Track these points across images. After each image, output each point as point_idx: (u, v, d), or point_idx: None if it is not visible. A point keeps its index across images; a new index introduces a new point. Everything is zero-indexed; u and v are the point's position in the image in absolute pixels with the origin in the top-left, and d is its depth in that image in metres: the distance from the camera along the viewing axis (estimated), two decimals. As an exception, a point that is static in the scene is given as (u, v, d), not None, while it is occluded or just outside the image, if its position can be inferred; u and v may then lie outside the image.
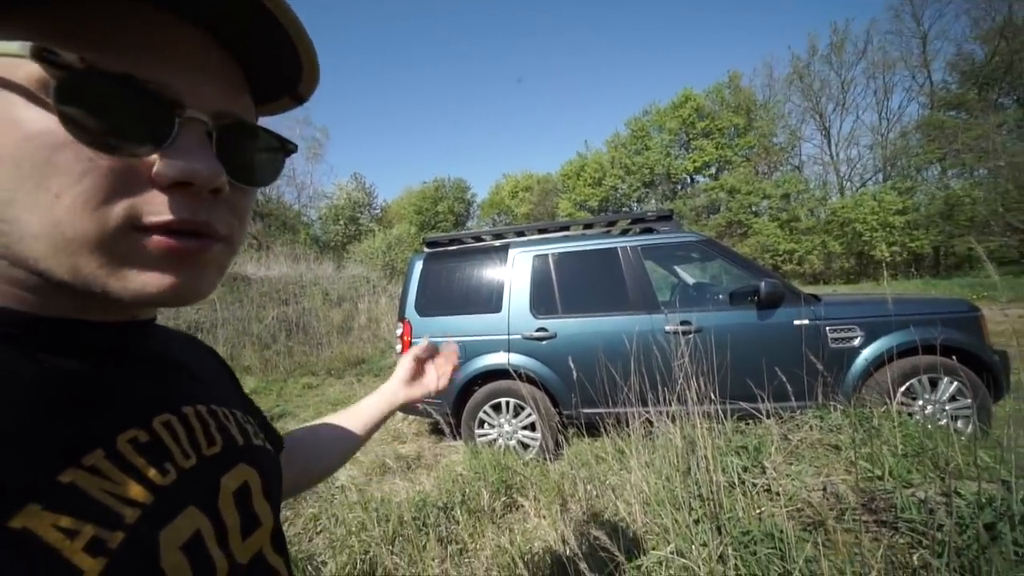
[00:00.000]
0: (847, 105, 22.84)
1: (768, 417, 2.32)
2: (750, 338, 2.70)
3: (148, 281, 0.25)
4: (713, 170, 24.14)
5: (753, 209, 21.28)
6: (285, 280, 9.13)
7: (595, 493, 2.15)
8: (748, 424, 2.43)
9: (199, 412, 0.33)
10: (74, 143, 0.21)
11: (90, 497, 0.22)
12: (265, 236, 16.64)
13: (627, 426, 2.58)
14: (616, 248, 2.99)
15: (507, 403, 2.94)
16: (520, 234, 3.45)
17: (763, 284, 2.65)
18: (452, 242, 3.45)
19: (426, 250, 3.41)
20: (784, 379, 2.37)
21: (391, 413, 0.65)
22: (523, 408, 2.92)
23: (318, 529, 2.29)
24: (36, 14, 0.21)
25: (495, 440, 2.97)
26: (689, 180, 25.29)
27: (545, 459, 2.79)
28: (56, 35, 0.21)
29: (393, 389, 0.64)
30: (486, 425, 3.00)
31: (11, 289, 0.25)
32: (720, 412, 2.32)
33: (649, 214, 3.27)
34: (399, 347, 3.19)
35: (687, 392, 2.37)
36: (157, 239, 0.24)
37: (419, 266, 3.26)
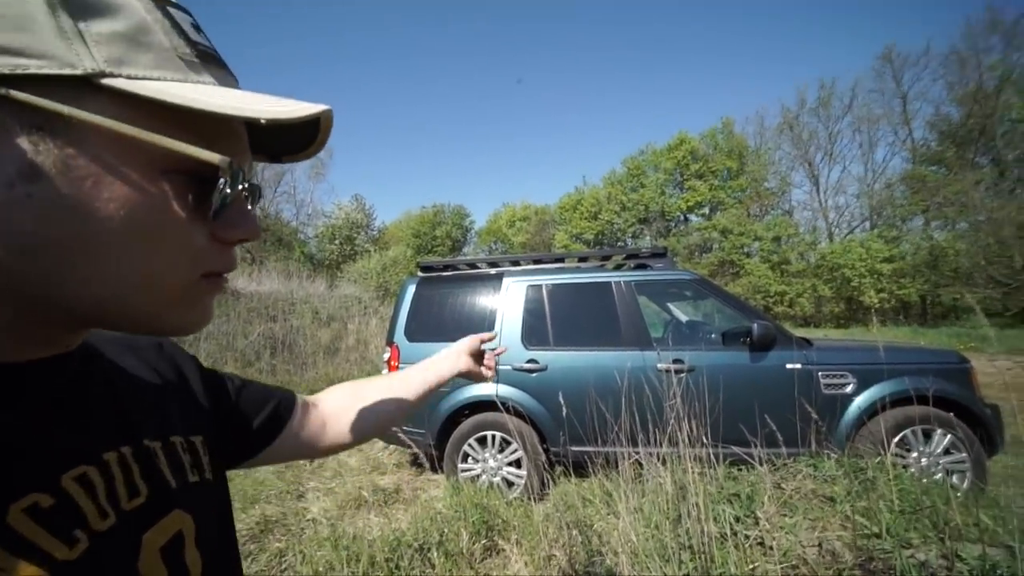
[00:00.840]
0: (835, 155, 23.88)
1: (761, 463, 2.25)
2: (743, 380, 2.66)
3: (194, 315, 0.28)
4: (706, 210, 24.81)
5: (745, 250, 21.72)
6: (275, 296, 9.01)
7: (581, 539, 2.03)
8: (740, 470, 2.36)
9: (123, 457, 0.29)
10: (189, 212, 0.25)
11: None
12: (259, 251, 16.58)
13: (616, 467, 2.49)
14: (611, 282, 2.99)
15: (493, 437, 2.84)
16: (515, 263, 3.45)
17: (756, 326, 2.64)
18: (446, 267, 3.44)
19: (420, 274, 3.39)
20: (777, 424, 2.32)
21: (447, 380, 0.67)
22: (509, 443, 2.81)
23: (283, 567, 2.13)
24: (188, 120, 0.23)
25: (479, 476, 2.84)
26: (683, 218, 25.92)
27: (530, 499, 2.66)
28: (207, 135, 0.25)
29: (458, 351, 0.68)
30: (470, 459, 2.88)
31: None
32: (712, 456, 2.25)
33: (644, 250, 3.31)
34: (386, 371, 3.10)
35: (679, 434, 2.30)
36: (213, 281, 0.28)
37: (412, 290, 3.23)
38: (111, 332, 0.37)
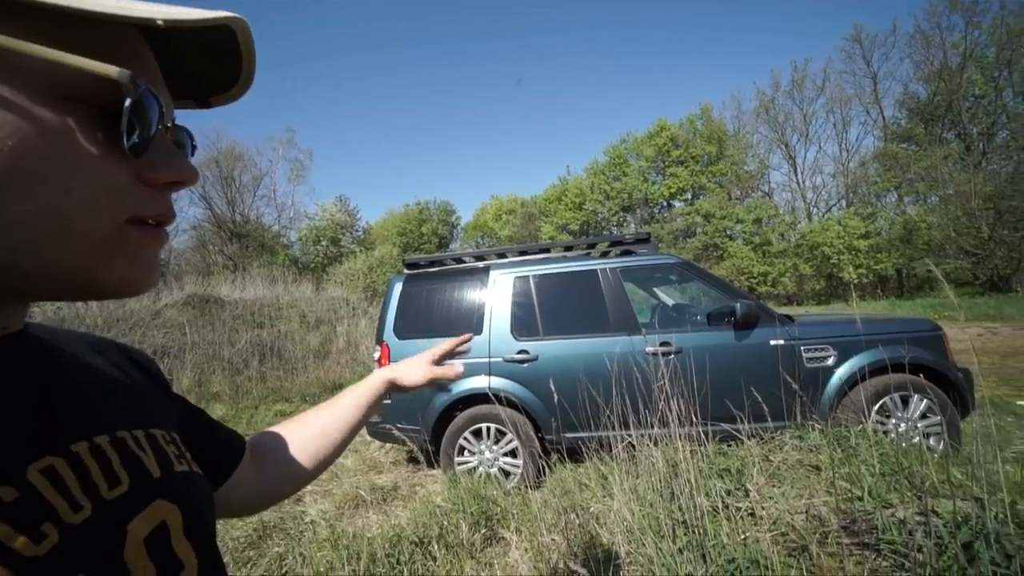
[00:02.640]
0: (810, 136, 24.37)
1: (749, 438, 2.32)
2: (728, 359, 2.73)
3: (131, 269, 0.26)
4: (688, 195, 25.10)
5: (728, 233, 22.09)
6: (261, 302, 8.85)
7: (578, 523, 2.07)
8: (730, 446, 2.43)
9: (97, 446, 0.28)
10: (96, 145, 0.23)
11: None
12: (241, 257, 16.21)
13: (610, 450, 2.54)
14: (596, 270, 3.02)
15: (488, 429, 2.86)
16: (501, 256, 3.45)
17: (739, 305, 2.70)
18: (432, 264, 3.42)
19: (406, 271, 3.37)
20: (763, 399, 2.39)
21: (393, 390, 0.66)
22: (504, 434, 2.84)
23: (283, 570, 2.12)
24: (66, 23, 0.21)
25: (475, 468, 2.86)
26: (666, 205, 26.18)
27: (527, 487, 2.70)
28: (101, 49, 0.22)
29: (420, 362, 0.67)
30: (466, 452, 2.90)
31: None
32: (702, 434, 2.31)
33: (627, 237, 3.34)
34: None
35: (669, 414, 2.36)
36: (145, 230, 0.26)
37: (398, 288, 3.21)
38: (72, 332, 0.35)
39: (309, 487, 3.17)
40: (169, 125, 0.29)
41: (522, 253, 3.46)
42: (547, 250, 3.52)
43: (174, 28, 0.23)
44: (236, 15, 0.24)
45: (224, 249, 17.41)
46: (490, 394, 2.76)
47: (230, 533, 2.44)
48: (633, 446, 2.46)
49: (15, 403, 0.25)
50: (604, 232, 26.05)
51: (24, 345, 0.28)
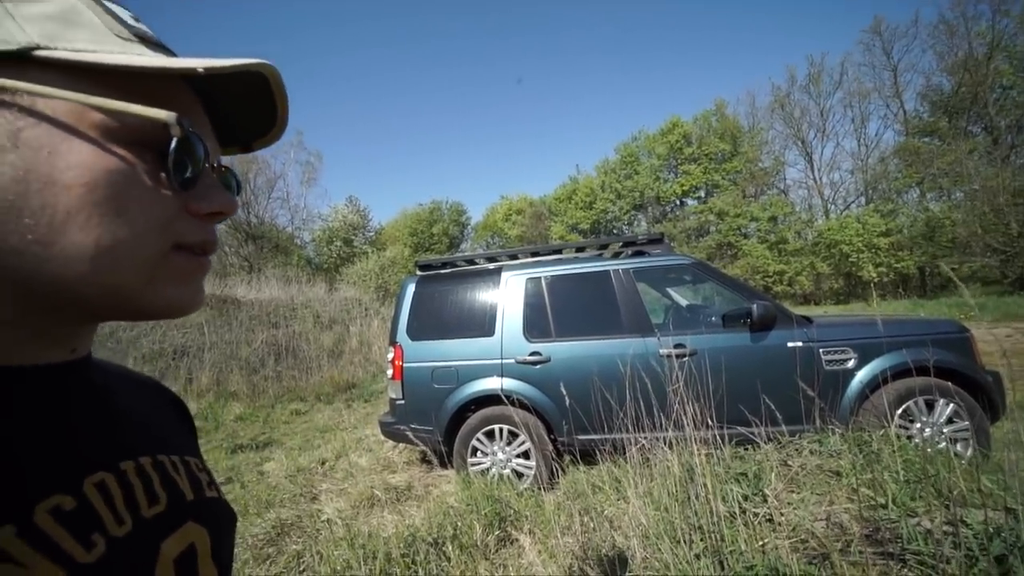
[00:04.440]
0: (827, 132, 23.77)
1: (766, 442, 2.28)
2: (745, 361, 2.68)
3: (177, 293, 0.29)
4: (702, 193, 24.73)
5: (742, 231, 21.70)
6: (276, 303, 9.02)
7: (592, 526, 2.06)
8: (747, 450, 2.38)
9: (140, 466, 0.30)
10: (151, 180, 0.26)
11: None
12: (257, 258, 16.54)
13: (623, 453, 2.52)
14: (609, 271, 2.99)
15: (501, 430, 2.86)
16: (513, 257, 3.45)
17: (755, 306, 2.66)
18: (445, 265, 3.44)
19: (419, 273, 3.39)
20: (781, 403, 2.34)
21: None
22: (517, 435, 2.84)
23: (301, 568, 2.16)
24: (124, 81, 0.25)
25: (488, 469, 2.87)
26: (678, 203, 25.85)
27: (540, 489, 2.69)
28: (153, 100, 0.25)
29: None
30: (479, 453, 2.91)
31: None
32: (718, 438, 2.28)
33: (640, 237, 3.31)
34: (390, 372, 3.12)
35: (683, 417, 2.33)
36: (189, 258, 0.29)
37: (411, 289, 3.23)
38: (121, 366, 0.38)
39: (325, 485, 3.22)
40: (215, 165, 0.32)
41: (534, 254, 3.46)
42: (559, 251, 3.51)
43: (214, 77, 0.25)
44: (266, 62, 0.27)
45: (240, 250, 17.77)
46: (502, 395, 2.77)
47: (249, 530, 2.50)
48: (647, 449, 2.44)
49: (78, 420, 0.28)
50: (615, 231, 25.83)
51: (88, 369, 0.31)
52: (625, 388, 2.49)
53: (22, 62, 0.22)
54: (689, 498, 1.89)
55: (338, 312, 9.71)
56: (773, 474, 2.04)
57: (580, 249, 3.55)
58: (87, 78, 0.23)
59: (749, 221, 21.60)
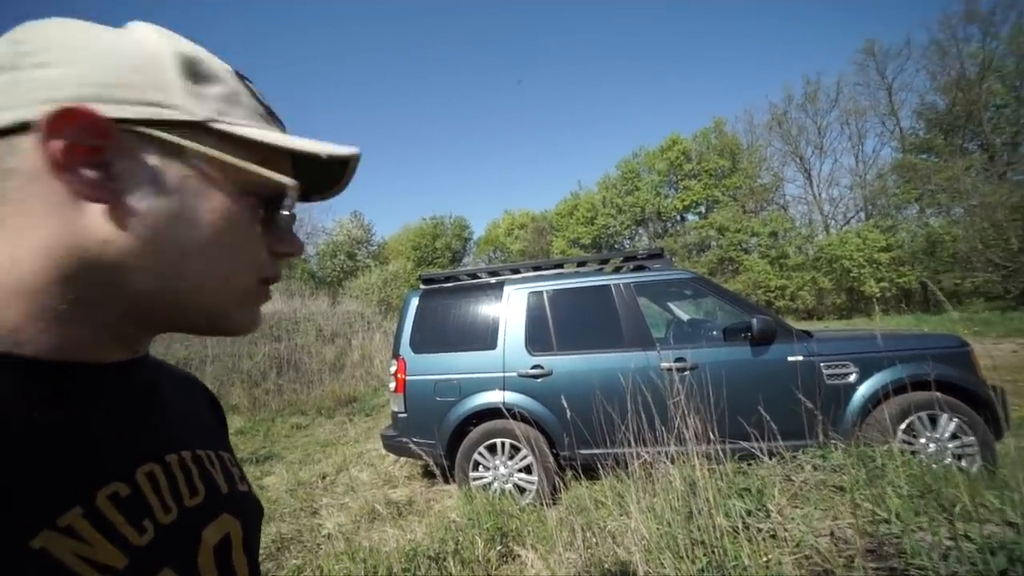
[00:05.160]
0: (825, 149, 24.06)
1: (769, 457, 2.27)
2: (745, 375, 2.69)
3: (252, 315, 0.34)
4: (702, 209, 24.96)
5: (743, 246, 21.79)
6: (279, 316, 9.05)
7: (595, 541, 2.05)
8: (750, 464, 2.38)
9: (183, 459, 0.32)
10: (257, 226, 0.32)
11: (61, 565, 0.21)
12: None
13: (626, 468, 2.51)
14: (610, 285, 3.04)
15: (503, 444, 2.86)
16: (516, 271, 3.50)
17: (755, 320, 2.68)
18: (448, 279, 3.49)
19: (422, 287, 3.44)
20: (783, 417, 2.35)
21: None
22: (519, 449, 2.83)
23: (301, 584, 2.14)
24: (259, 149, 0.31)
25: (490, 484, 2.85)
26: (679, 218, 26.06)
27: (542, 504, 2.67)
28: (271, 164, 0.31)
29: None
30: (481, 467, 2.90)
31: (39, 327, 0.26)
32: (720, 452, 2.28)
33: (640, 253, 3.36)
34: (392, 384, 3.14)
35: (685, 431, 2.33)
36: (263, 288, 0.34)
37: (415, 302, 3.28)
38: (166, 363, 0.42)
39: (326, 500, 3.20)
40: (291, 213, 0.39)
41: (536, 268, 3.51)
42: (560, 265, 3.56)
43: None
44: (359, 152, 0.34)
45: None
46: (504, 409, 2.78)
47: (249, 545, 2.48)
48: (649, 463, 2.43)
49: (134, 414, 0.31)
50: (616, 246, 25.97)
51: (145, 367, 0.34)
52: (627, 402, 2.50)
53: (195, 128, 0.28)
54: (692, 513, 1.89)
55: (340, 326, 9.73)
56: (776, 489, 2.03)
57: (582, 264, 3.60)
58: (234, 144, 0.30)
59: (750, 236, 21.71)
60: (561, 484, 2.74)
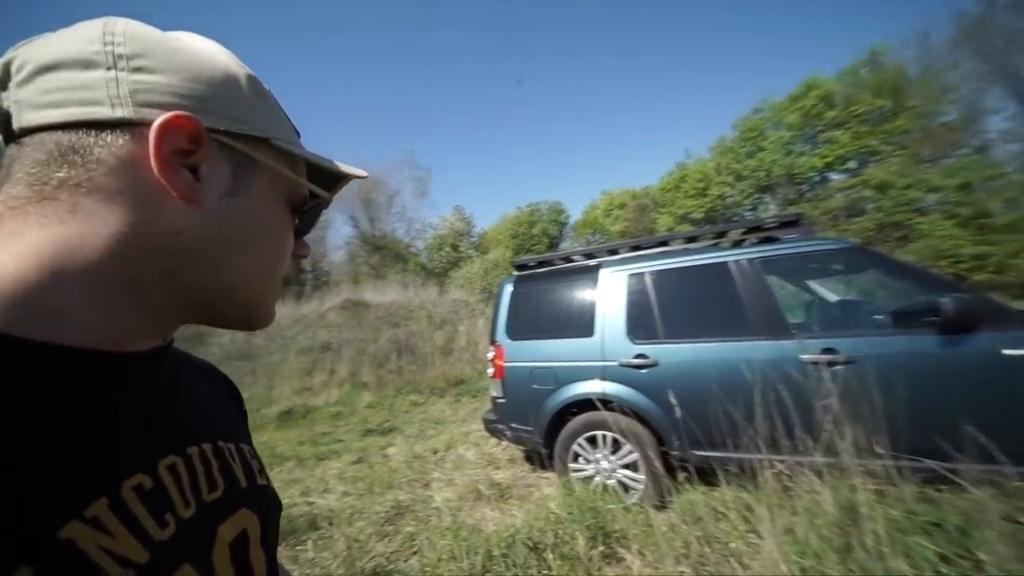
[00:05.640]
0: (1057, 60, 17.21)
1: (976, 485, 1.67)
2: (933, 372, 2.03)
3: (273, 309, 0.37)
4: (852, 164, 20.24)
5: (916, 206, 17.10)
6: (396, 305, 10.14)
7: (713, 559, 1.77)
8: (940, 491, 1.80)
9: (203, 452, 0.32)
10: (292, 232, 0.38)
11: (86, 557, 0.21)
12: (381, 266, 18.95)
13: (753, 477, 2.14)
14: (728, 263, 2.58)
15: (604, 437, 2.69)
16: (613, 252, 3.23)
17: (948, 300, 1.99)
18: (540, 264, 3.39)
19: (515, 273, 3.41)
20: (995, 431, 1.70)
21: None
22: (622, 444, 2.63)
23: (413, 549, 2.32)
24: (297, 162, 0.36)
25: (591, 477, 2.72)
26: (819, 179, 21.60)
27: (649, 506, 2.44)
28: (301, 174, 0.37)
29: None
30: (580, 459, 2.77)
31: (87, 308, 0.26)
32: (892, 471, 1.76)
33: (769, 221, 2.78)
34: (491, 370, 3.19)
35: (838, 441, 1.86)
36: (281, 284, 0.37)
37: (509, 290, 3.26)
38: (177, 350, 0.41)
39: (436, 474, 3.45)
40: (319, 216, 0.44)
41: (635, 248, 3.18)
42: (665, 243, 3.17)
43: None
44: (366, 175, 0.41)
45: (368, 260, 20.64)
46: (601, 400, 2.60)
47: (372, 508, 2.79)
48: (786, 476, 2.03)
49: (159, 404, 0.31)
50: (735, 219, 22.82)
51: (167, 356, 0.33)
52: (754, 400, 2.10)
53: (259, 143, 0.32)
54: (851, 547, 1.49)
55: (448, 313, 10.49)
56: (990, 530, 1.48)
57: (691, 239, 3.15)
58: (285, 158, 0.35)
59: (926, 193, 16.90)
60: (671, 486, 2.46)
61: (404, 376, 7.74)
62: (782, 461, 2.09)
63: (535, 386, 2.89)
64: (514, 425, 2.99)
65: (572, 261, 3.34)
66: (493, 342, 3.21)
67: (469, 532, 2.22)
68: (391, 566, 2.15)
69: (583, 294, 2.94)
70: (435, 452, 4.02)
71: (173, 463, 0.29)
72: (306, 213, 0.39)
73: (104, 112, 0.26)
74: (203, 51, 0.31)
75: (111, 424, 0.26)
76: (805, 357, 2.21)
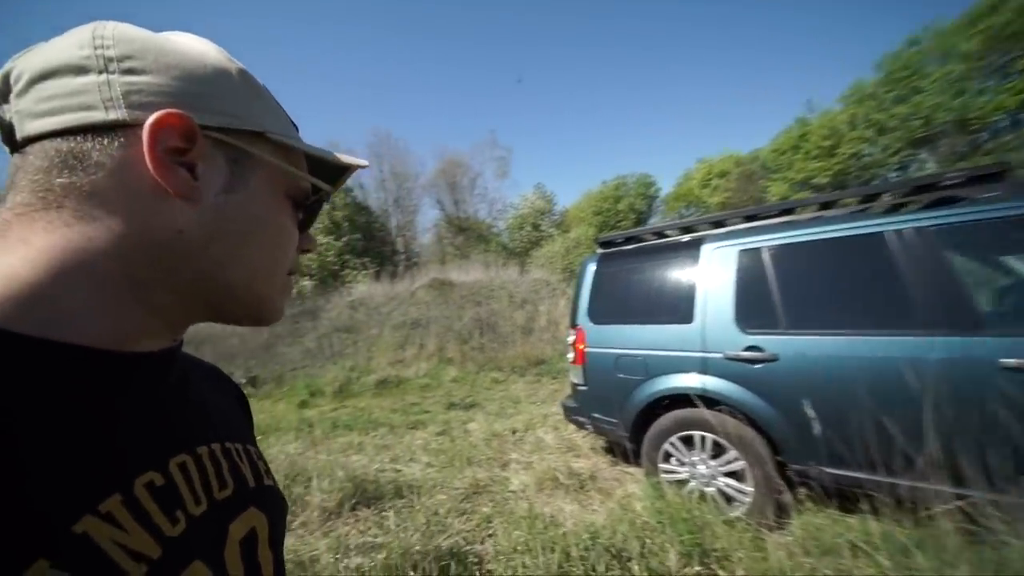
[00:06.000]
0: None
1: None
2: None
3: (281, 303, 0.37)
4: (1066, 99, 14.99)
5: None
6: (479, 284, 10.42)
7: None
8: None
9: (213, 452, 0.33)
10: (294, 223, 0.37)
11: (100, 551, 0.22)
12: (465, 247, 19.69)
13: (913, 511, 1.66)
14: (883, 234, 1.98)
15: (702, 438, 2.34)
16: (718, 224, 2.74)
17: None
18: (629, 240, 3.04)
19: (599, 251, 3.11)
20: None
21: None
22: (726, 449, 2.25)
23: (489, 531, 2.29)
24: (296, 155, 0.36)
25: (686, 482, 2.40)
26: (1008, 123, 16.50)
27: (759, 524, 2.07)
28: (301, 168, 0.37)
29: None
30: (673, 460, 2.46)
31: (96, 309, 0.26)
32: None
33: (950, 176, 2.06)
34: (571, 355, 2.99)
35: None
36: (289, 279, 0.38)
37: (592, 269, 2.99)
38: (188, 354, 0.40)
39: (514, 455, 3.42)
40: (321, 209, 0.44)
41: (749, 218, 2.65)
42: (789, 211, 2.58)
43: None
44: (367, 164, 0.40)
45: (453, 241, 21.54)
46: (698, 396, 2.24)
47: (452, 483, 2.85)
48: (969, 516, 1.53)
49: (168, 403, 0.31)
50: (874, 182, 18.71)
51: (177, 357, 0.33)
52: (926, 412, 1.59)
53: (255, 137, 0.32)
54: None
55: (529, 292, 10.47)
56: None
57: (826, 205, 2.52)
58: (283, 151, 0.35)
59: None
60: (787, 504, 2.05)
61: (486, 353, 7.95)
62: (963, 497, 1.57)
63: (621, 375, 2.62)
64: (596, 415, 2.78)
65: (666, 236, 2.93)
66: (574, 325, 2.99)
67: (546, 524, 2.11)
68: (467, 547, 2.14)
69: (680, 274, 2.54)
70: (514, 432, 4.00)
71: (184, 461, 0.29)
72: (309, 207, 0.38)
73: (99, 116, 0.26)
74: (193, 49, 0.30)
75: (123, 422, 0.27)
76: (1009, 361, 1.60)
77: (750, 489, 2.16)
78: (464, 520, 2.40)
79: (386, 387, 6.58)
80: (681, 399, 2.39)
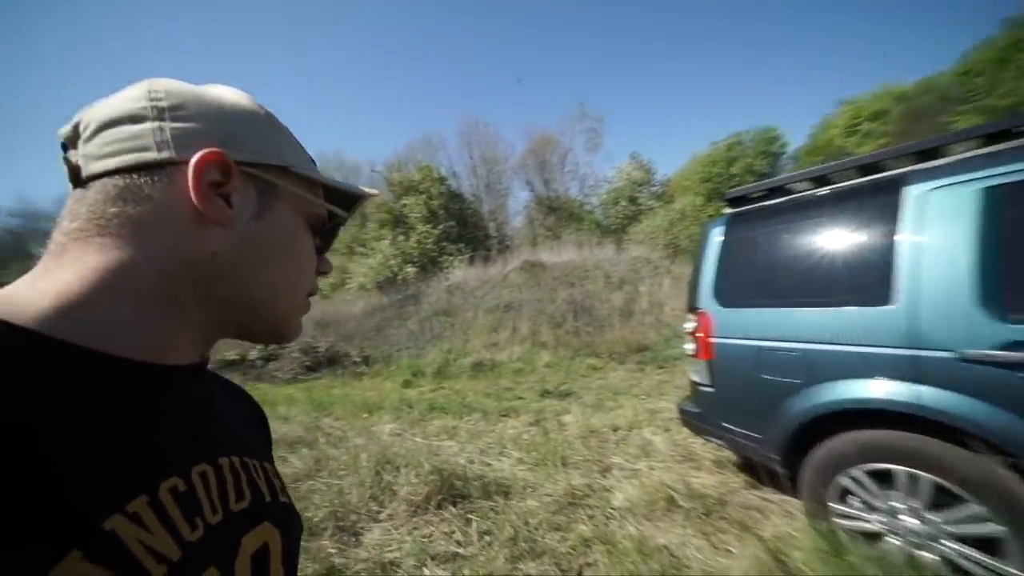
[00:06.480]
0: None
1: None
2: None
3: (299, 323, 0.41)
4: None
5: None
6: (572, 265, 9.87)
7: None
8: None
9: (232, 464, 0.35)
10: (313, 250, 0.41)
11: (127, 549, 0.23)
12: (557, 227, 19.09)
13: None
14: None
15: (913, 477, 1.56)
16: (927, 155, 1.81)
17: None
18: (773, 192, 2.24)
19: (729, 211, 2.38)
20: None
21: None
22: (962, 500, 1.46)
23: (589, 560, 1.88)
24: (315, 185, 0.41)
25: (879, 536, 1.66)
26: None
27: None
28: (319, 196, 0.41)
29: None
30: (855, 501, 1.73)
31: (139, 325, 0.30)
32: None
33: None
34: (691, 347, 2.36)
35: None
36: (308, 300, 0.42)
37: (719, 235, 2.29)
38: (212, 371, 0.42)
39: (616, 459, 2.94)
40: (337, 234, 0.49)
41: (991, 137, 1.68)
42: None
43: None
44: (377, 193, 0.47)
45: (544, 222, 21.03)
46: (911, 414, 1.47)
47: (543, 487, 2.50)
48: None
49: (194, 415, 0.34)
50: None
51: (204, 371, 0.37)
52: None
53: (280, 171, 0.37)
54: None
55: (627, 272, 9.59)
56: None
57: None
58: (298, 181, 0.38)
59: None
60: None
61: (581, 338, 7.46)
62: None
63: (766, 376, 1.93)
64: (728, 425, 2.14)
65: (830, 182, 2.07)
66: (694, 309, 2.35)
67: (665, 564, 1.62)
68: (563, 567, 1.78)
69: (865, 233, 1.73)
70: (615, 430, 3.50)
71: (204, 471, 0.31)
72: (326, 233, 0.43)
73: (152, 156, 0.31)
74: (227, 98, 0.35)
75: (153, 428, 0.29)
76: None
77: (1013, 571, 1.35)
78: (557, 539, 2.03)
79: (481, 370, 6.57)
80: (868, 415, 1.64)
